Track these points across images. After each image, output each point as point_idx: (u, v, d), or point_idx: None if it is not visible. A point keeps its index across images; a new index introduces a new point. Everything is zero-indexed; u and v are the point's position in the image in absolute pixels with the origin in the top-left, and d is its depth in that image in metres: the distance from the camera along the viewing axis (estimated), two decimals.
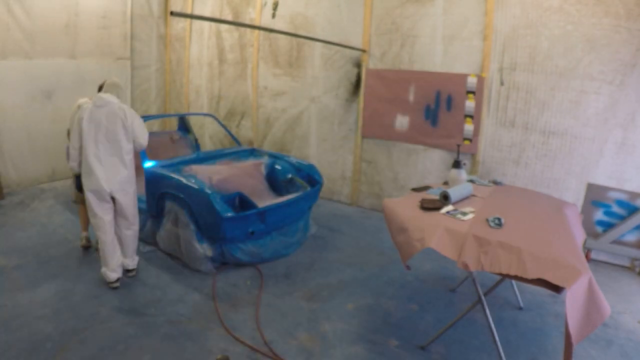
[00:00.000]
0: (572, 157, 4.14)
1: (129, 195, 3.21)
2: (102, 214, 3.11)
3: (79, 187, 3.30)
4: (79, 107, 3.50)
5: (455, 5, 4.50)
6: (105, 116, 3.04)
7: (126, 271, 3.38)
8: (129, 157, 3.16)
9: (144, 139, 3.23)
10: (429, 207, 2.60)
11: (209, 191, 3.39)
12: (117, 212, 3.22)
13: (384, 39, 4.99)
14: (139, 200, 3.94)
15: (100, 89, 3.71)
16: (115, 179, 3.09)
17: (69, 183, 4.90)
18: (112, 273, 3.17)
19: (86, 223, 3.77)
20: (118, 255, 3.23)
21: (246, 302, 3.14)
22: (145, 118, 5.20)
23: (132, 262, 3.38)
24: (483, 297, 2.49)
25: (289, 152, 5.87)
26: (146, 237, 3.98)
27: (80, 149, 3.08)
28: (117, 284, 3.20)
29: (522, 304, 3.20)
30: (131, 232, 3.32)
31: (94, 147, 3.02)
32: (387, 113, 5.08)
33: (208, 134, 6.95)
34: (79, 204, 3.74)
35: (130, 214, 3.27)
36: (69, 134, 3.47)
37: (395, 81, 4.97)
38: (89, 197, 3.08)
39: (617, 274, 3.94)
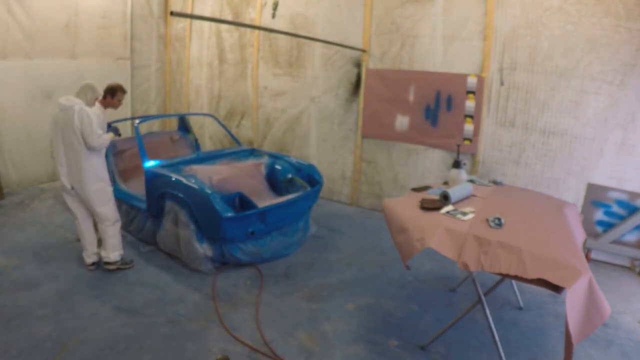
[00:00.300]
0: (572, 157, 4.14)
1: (90, 192, 3.32)
2: (74, 207, 3.42)
3: None
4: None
5: (455, 5, 4.49)
6: (63, 120, 3.22)
7: (104, 263, 3.47)
8: (85, 157, 3.26)
9: (92, 140, 3.18)
10: (429, 207, 2.60)
11: (209, 191, 3.39)
12: (88, 208, 3.43)
13: (384, 39, 4.99)
14: (139, 200, 3.97)
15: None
16: (73, 177, 3.29)
17: None
18: (88, 258, 3.49)
19: None
20: (94, 244, 3.51)
21: (246, 302, 3.14)
22: (145, 118, 5.27)
23: (107, 255, 3.44)
24: (483, 297, 2.48)
25: (289, 152, 5.86)
26: (146, 237, 3.99)
27: None
28: (93, 267, 3.49)
29: (522, 304, 3.20)
30: (103, 227, 3.42)
31: (57, 149, 3.29)
32: (387, 113, 5.08)
33: (208, 134, 6.95)
34: None
35: (98, 211, 3.38)
36: None
37: (395, 81, 4.96)
38: (62, 192, 3.40)
39: (617, 274, 3.94)
